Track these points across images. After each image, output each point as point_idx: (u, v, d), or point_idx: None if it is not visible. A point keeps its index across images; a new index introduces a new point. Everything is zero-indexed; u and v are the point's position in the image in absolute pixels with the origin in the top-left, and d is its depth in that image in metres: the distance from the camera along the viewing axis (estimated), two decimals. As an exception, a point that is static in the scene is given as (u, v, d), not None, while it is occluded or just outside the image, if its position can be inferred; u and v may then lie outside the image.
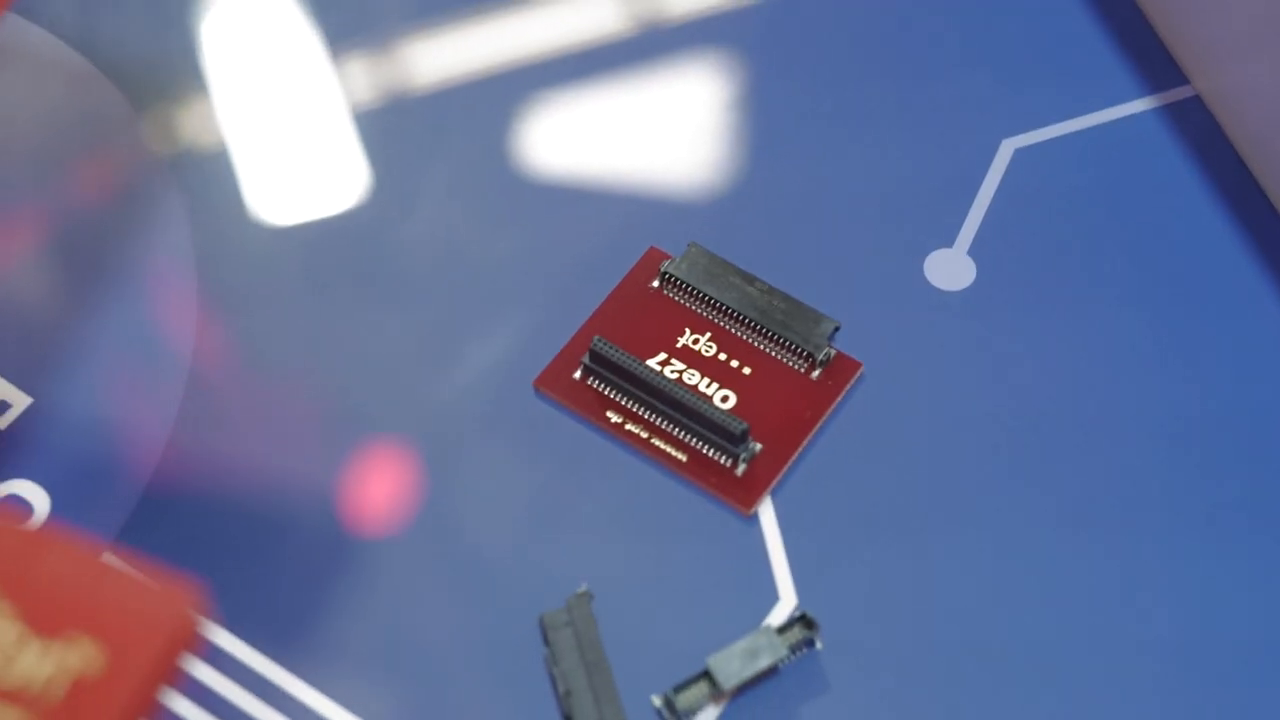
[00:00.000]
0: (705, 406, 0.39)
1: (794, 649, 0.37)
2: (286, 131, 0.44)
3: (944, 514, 0.39)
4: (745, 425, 0.39)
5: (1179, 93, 0.44)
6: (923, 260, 0.42)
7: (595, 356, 0.40)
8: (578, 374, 0.40)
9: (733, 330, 0.41)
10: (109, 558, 0.28)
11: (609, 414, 0.40)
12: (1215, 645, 0.37)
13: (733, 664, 0.37)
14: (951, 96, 0.43)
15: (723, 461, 0.39)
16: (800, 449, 0.39)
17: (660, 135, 0.43)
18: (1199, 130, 0.43)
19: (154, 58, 0.45)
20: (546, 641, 0.38)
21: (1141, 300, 0.41)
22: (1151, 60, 0.44)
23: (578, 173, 0.43)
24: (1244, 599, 0.37)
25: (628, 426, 0.40)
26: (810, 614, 0.37)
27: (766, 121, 0.43)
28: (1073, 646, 0.37)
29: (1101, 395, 0.40)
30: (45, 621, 0.27)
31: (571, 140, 0.43)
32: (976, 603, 0.38)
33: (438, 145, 0.43)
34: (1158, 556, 0.38)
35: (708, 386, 0.40)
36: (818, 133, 0.43)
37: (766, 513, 0.39)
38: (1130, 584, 0.37)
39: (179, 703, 0.36)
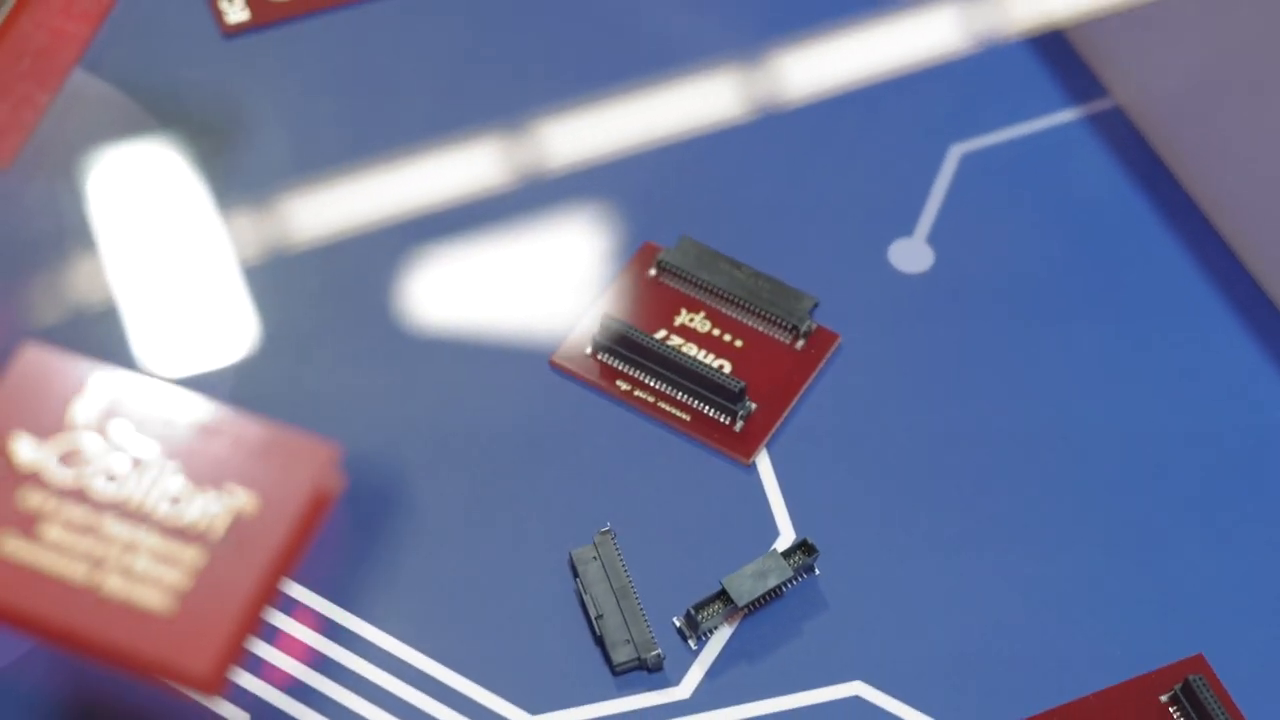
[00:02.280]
0: (706, 369, 0.44)
1: (798, 572, 0.42)
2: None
3: (917, 456, 0.44)
4: (743, 384, 0.44)
5: (1102, 103, 0.50)
6: (887, 247, 0.47)
7: (605, 332, 0.45)
8: (589, 350, 0.45)
9: (724, 310, 0.46)
10: (254, 421, 0.32)
11: (619, 382, 0.45)
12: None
13: (745, 584, 0.42)
14: (907, 108, 0.49)
15: (723, 420, 0.44)
16: (790, 407, 0.45)
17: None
18: (1119, 133, 0.49)
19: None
20: (576, 574, 0.42)
21: (1075, 276, 0.47)
22: (1074, 75, 0.50)
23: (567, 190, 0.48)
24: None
25: (636, 393, 0.45)
26: (811, 540, 0.42)
27: (748, 134, 0.49)
28: (1040, 573, 0.42)
29: (1040, 348, 0.45)
30: (207, 477, 0.32)
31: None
32: (953, 527, 0.43)
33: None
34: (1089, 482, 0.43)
35: (704, 358, 0.45)
36: (792, 140, 0.49)
37: (764, 462, 0.44)
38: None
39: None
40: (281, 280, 0.46)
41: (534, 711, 0.41)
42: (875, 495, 0.43)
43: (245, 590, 0.30)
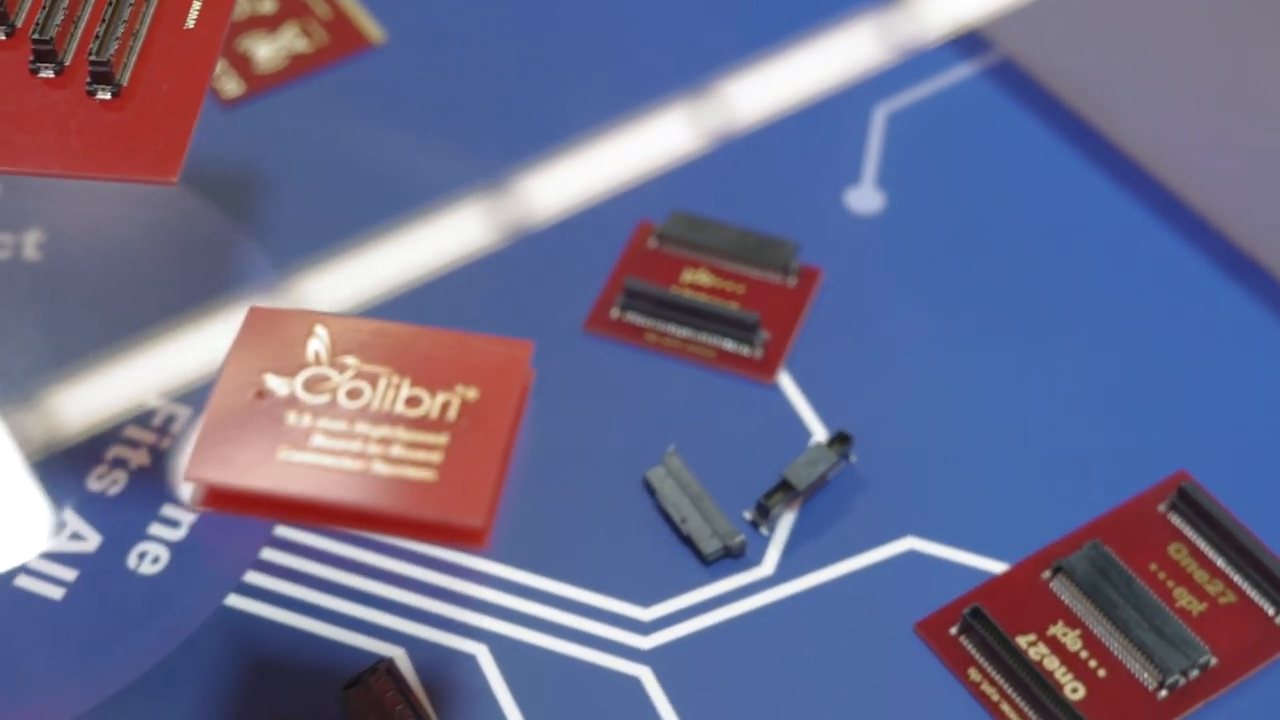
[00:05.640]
0: (723, 310, 0.52)
1: (840, 458, 0.50)
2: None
3: (909, 350, 0.52)
4: (756, 315, 0.52)
5: (992, 55, 0.59)
6: (842, 194, 0.55)
7: (630, 292, 0.52)
8: (616, 312, 0.53)
9: (721, 263, 0.54)
10: (455, 332, 0.39)
11: (647, 335, 0.52)
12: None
13: (801, 471, 0.49)
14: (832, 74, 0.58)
15: (743, 351, 0.52)
16: (796, 331, 0.52)
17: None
18: (1013, 78, 0.58)
19: None
20: (653, 491, 0.49)
21: (1001, 204, 0.55)
22: (965, 37, 0.59)
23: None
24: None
25: (665, 341, 0.52)
26: (846, 431, 0.50)
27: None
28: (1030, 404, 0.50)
29: (985, 256, 0.54)
30: (431, 380, 0.39)
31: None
32: (954, 394, 0.51)
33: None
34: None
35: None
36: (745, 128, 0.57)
37: (785, 380, 0.52)
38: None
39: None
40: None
41: (647, 604, 0.47)
42: (883, 387, 0.51)
43: (491, 458, 0.37)
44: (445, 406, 0.37)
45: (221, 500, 0.37)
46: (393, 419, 0.37)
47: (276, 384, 0.38)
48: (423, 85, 0.58)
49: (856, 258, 0.54)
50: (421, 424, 0.37)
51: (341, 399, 0.38)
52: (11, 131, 0.42)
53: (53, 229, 0.55)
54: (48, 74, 0.43)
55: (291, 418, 0.37)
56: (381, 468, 0.37)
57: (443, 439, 0.37)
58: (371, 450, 0.37)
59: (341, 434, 0.37)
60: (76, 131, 0.42)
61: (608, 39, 0.59)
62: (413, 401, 0.37)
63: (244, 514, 0.37)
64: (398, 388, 0.38)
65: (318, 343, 0.38)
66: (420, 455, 0.37)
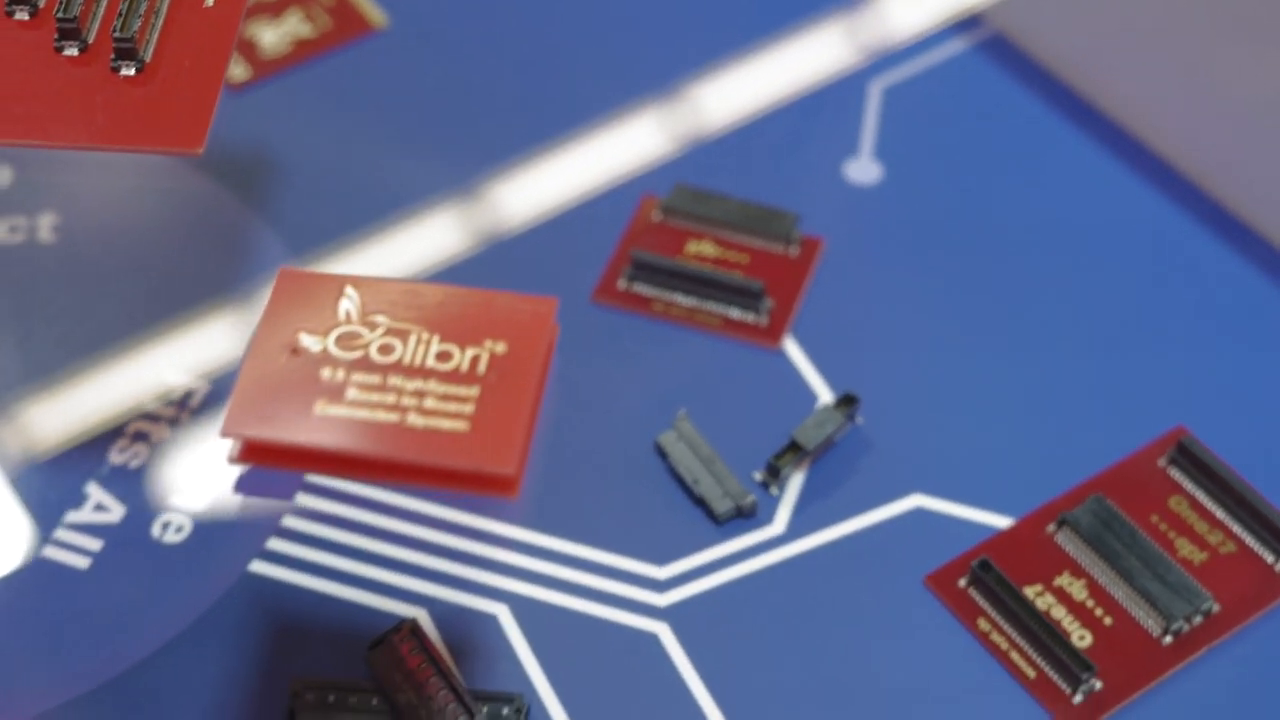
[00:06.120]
0: (727, 277, 0.53)
1: (846, 418, 0.51)
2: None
3: (909, 316, 0.53)
4: (761, 283, 0.53)
5: (983, 31, 0.60)
6: (841, 165, 0.57)
7: (637, 263, 0.54)
8: (623, 283, 0.54)
9: (725, 234, 0.55)
10: (480, 290, 0.40)
11: (654, 305, 0.54)
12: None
13: (809, 432, 0.50)
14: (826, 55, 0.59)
15: (748, 318, 0.53)
16: (799, 299, 0.54)
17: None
18: (1007, 54, 0.59)
19: None
20: (665, 455, 0.51)
21: (995, 172, 0.57)
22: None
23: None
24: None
25: (672, 310, 0.53)
26: (852, 392, 0.51)
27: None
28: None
29: (981, 222, 0.55)
30: (464, 337, 0.40)
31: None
32: (956, 356, 0.52)
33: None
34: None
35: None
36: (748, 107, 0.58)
37: (790, 345, 0.53)
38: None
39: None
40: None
41: (661, 563, 0.49)
42: (886, 350, 0.52)
43: (520, 409, 0.38)
44: (475, 360, 0.38)
45: (259, 455, 0.38)
46: (424, 373, 0.38)
47: (310, 342, 0.39)
48: (427, 69, 0.59)
49: (856, 227, 0.55)
50: (452, 377, 0.38)
51: (374, 354, 0.39)
52: (39, 107, 0.43)
53: (66, 212, 0.56)
54: (72, 52, 0.44)
55: (326, 373, 0.38)
56: (416, 419, 0.38)
57: (474, 391, 0.38)
58: (406, 403, 0.38)
59: (375, 388, 0.38)
60: (103, 107, 0.43)
61: (614, 24, 0.61)
62: (443, 356, 0.39)
63: (280, 468, 0.38)
64: (428, 343, 0.39)
65: (348, 302, 0.39)
66: (452, 407, 0.38)
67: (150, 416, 0.51)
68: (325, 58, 0.60)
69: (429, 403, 0.38)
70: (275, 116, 0.58)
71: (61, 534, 0.49)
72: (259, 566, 0.48)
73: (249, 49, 0.59)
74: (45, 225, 0.56)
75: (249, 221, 0.55)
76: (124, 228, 0.56)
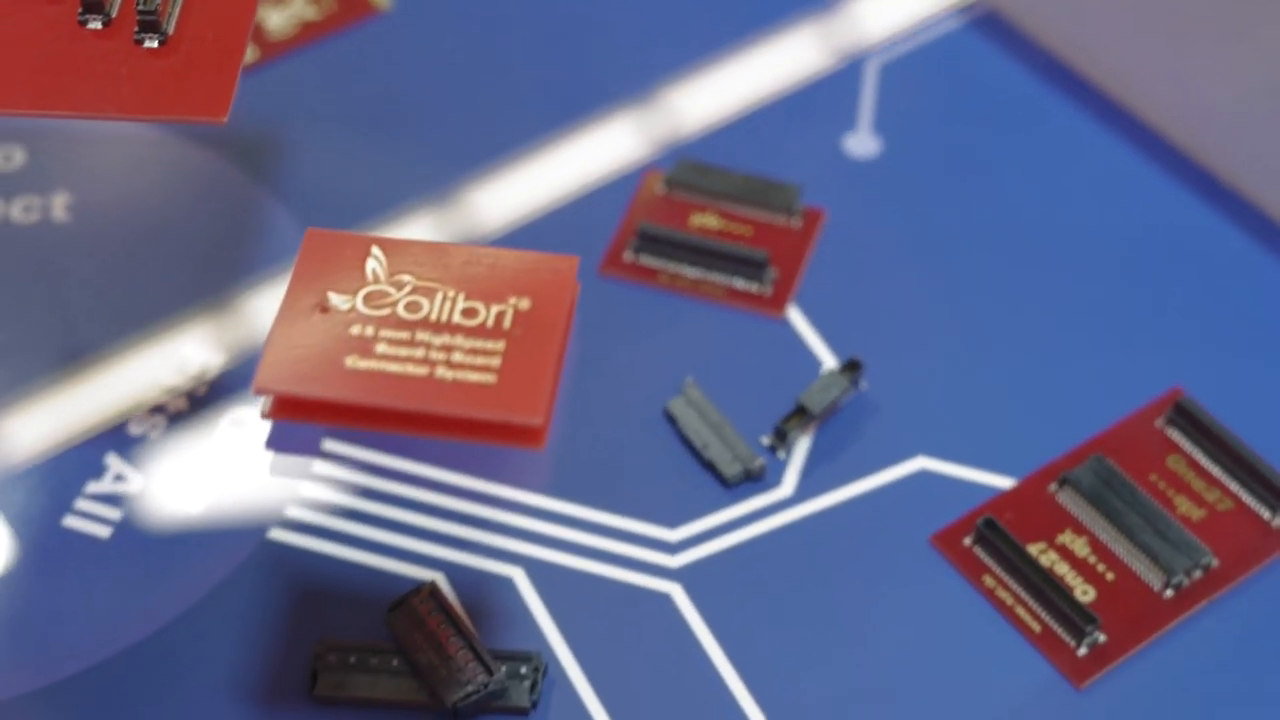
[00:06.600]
0: (733, 249, 0.54)
1: (851, 383, 0.52)
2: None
3: (909, 283, 0.54)
4: (765, 253, 0.54)
5: (976, 9, 0.61)
6: (840, 139, 0.58)
7: (644, 235, 0.55)
8: (630, 255, 0.55)
9: (728, 207, 0.56)
10: (504, 250, 0.41)
11: (660, 276, 0.55)
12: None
13: (815, 396, 0.51)
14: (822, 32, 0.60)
15: (752, 288, 0.54)
16: (803, 268, 0.55)
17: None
18: (1001, 31, 0.60)
19: None
20: (674, 421, 0.52)
21: (991, 144, 0.58)
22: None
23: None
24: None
25: (677, 281, 0.54)
26: (857, 357, 0.52)
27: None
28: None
29: (978, 192, 0.56)
30: (489, 294, 0.41)
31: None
32: (957, 320, 0.53)
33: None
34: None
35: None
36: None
37: (794, 314, 0.54)
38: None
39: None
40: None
41: (672, 525, 0.50)
42: (888, 318, 0.53)
43: (546, 362, 0.39)
44: (500, 316, 0.39)
45: (290, 410, 0.39)
46: (452, 328, 0.39)
47: (339, 300, 0.40)
48: (431, 50, 0.60)
49: (857, 198, 0.56)
50: (479, 332, 0.39)
51: (401, 311, 0.40)
52: (66, 78, 0.44)
53: (80, 191, 0.57)
54: (95, 25, 0.44)
55: (355, 329, 0.39)
56: (445, 373, 0.39)
57: (500, 345, 0.39)
58: (434, 357, 0.39)
59: (404, 343, 0.39)
60: (128, 78, 0.44)
61: (622, 6, 0.62)
62: (469, 313, 0.40)
63: (312, 423, 0.39)
64: (454, 301, 0.40)
65: (375, 262, 0.40)
66: (480, 360, 0.39)
67: (168, 389, 0.52)
68: (330, 39, 0.61)
69: (457, 356, 0.39)
70: (283, 97, 0.59)
71: (82, 504, 0.50)
72: (278, 534, 0.49)
73: (256, 31, 0.60)
74: (59, 204, 0.56)
75: (259, 197, 0.56)
76: (137, 205, 0.57)
